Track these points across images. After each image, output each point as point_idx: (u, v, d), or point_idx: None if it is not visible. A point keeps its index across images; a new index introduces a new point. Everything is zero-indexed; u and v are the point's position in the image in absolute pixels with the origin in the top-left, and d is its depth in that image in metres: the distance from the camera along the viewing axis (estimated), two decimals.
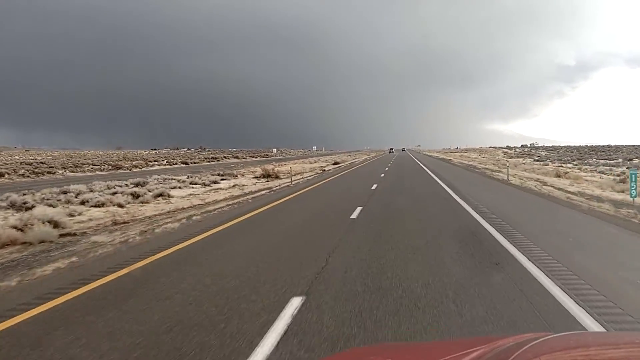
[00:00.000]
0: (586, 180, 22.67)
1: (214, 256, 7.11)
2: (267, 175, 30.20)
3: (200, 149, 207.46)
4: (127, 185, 20.15)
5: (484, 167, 37.36)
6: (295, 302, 4.67)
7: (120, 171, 45.54)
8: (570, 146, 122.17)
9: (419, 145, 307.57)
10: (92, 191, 17.38)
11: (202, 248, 7.77)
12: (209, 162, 68.78)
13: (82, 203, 14.44)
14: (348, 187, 21.51)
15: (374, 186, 20.32)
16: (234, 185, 22.87)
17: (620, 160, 48.63)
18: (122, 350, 3.65)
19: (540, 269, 5.89)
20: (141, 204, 14.73)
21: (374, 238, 8.36)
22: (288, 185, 22.17)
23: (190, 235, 8.77)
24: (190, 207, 13.61)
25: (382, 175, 30.55)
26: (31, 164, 49.59)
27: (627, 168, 29.05)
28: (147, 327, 4.13)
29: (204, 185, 23.39)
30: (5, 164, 50.54)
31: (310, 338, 3.81)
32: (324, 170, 36.79)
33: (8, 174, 34.18)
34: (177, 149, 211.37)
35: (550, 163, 45.56)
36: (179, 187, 21.22)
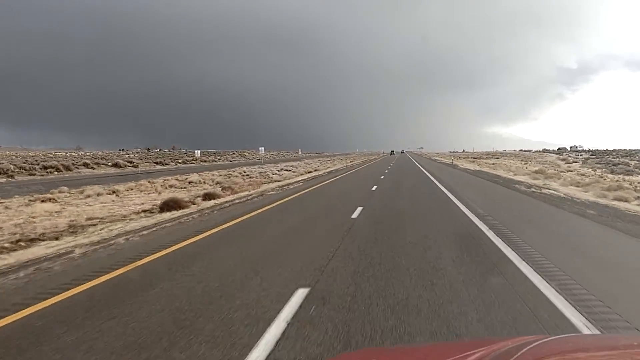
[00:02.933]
0: None
1: None
2: None
3: (172, 149, 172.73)
4: None
5: None
6: None
7: None
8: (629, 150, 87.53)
9: (422, 148, 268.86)
10: None
11: None
12: (8, 177, 33.94)
13: None
14: None
15: None
16: None
17: None
18: None
19: None
20: None
21: None
22: None
23: None
24: None
25: None
26: None
27: None
28: None
29: None
30: None
31: None
32: None
33: None
34: (148, 149, 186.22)
35: None
36: None
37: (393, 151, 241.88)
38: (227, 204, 15.45)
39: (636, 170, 44.02)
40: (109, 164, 49.49)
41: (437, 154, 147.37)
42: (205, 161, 66.45)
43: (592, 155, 71.71)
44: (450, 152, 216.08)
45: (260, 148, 55.00)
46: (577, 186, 18.47)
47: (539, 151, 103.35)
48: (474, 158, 74.59)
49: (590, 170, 40.24)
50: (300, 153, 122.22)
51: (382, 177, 30.05)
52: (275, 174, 35.06)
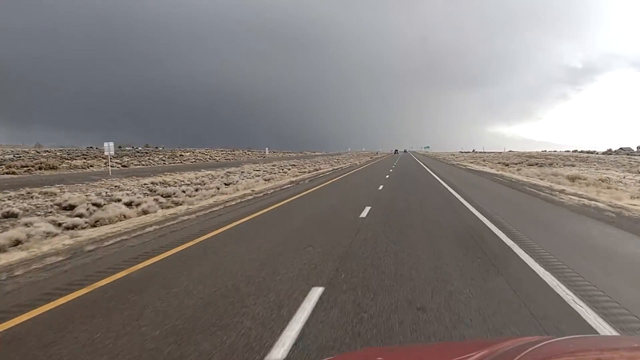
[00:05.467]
0: None
1: None
2: None
3: (146, 147, 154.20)
4: None
5: None
6: None
7: None
8: None
9: (428, 147, 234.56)
10: None
11: None
12: None
13: None
14: None
15: None
16: None
17: None
18: None
19: None
20: None
21: None
22: None
23: None
24: None
25: None
26: None
27: None
28: None
29: None
30: None
31: None
32: None
33: None
34: (120, 147, 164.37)
35: None
36: None
37: (397, 150, 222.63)
38: None
39: None
40: None
41: (453, 155, 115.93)
42: (55, 167, 36.10)
43: None
44: (461, 152, 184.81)
45: (106, 144, 25.11)
46: None
47: (608, 152, 72.36)
48: (530, 165, 43.64)
49: None
50: (267, 153, 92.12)
51: None
52: None
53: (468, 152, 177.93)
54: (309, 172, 35.03)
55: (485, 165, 40.64)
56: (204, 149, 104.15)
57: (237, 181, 26.20)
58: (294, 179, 27.81)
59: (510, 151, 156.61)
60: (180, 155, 72.49)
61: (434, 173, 31.88)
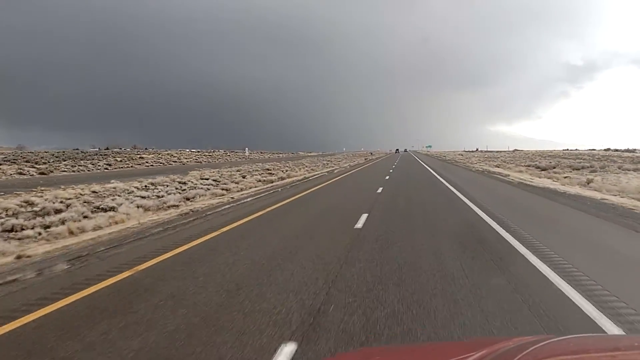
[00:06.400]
0: None
1: None
2: None
3: (134, 148, 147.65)
4: None
5: None
6: None
7: None
8: None
9: (430, 146, 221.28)
10: None
11: None
12: None
13: None
14: None
15: None
16: None
17: None
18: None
19: None
20: None
21: None
22: None
23: None
24: None
25: None
26: None
27: None
28: None
29: None
30: None
31: None
32: None
33: None
34: (107, 148, 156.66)
35: None
36: None
37: (397, 149, 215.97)
38: None
39: None
40: None
41: (461, 155, 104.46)
42: None
43: None
44: (465, 151, 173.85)
45: None
46: None
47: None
48: (575, 169, 32.36)
49: None
50: (247, 154, 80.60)
51: None
52: None
53: (472, 152, 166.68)
54: (266, 184, 23.88)
55: (522, 171, 29.32)
56: (175, 150, 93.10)
57: (119, 205, 15.00)
58: (209, 204, 16.71)
59: (515, 150, 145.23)
60: (139, 157, 61.11)
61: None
